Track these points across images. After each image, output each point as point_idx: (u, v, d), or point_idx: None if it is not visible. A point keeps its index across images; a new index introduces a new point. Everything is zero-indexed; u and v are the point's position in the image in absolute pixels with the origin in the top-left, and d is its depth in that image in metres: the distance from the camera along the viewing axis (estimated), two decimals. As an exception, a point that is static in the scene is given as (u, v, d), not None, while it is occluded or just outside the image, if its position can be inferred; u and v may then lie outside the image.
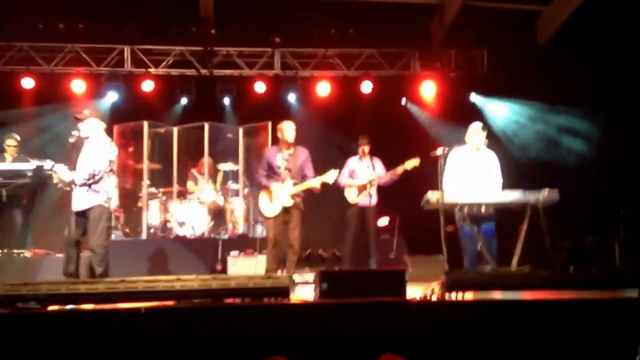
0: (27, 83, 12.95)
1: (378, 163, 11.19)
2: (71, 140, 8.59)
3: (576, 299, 6.49)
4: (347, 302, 6.14)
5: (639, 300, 6.48)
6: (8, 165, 9.85)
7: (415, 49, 14.01)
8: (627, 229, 10.67)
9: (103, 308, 6.06)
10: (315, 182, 9.55)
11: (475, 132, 9.26)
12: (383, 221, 12.51)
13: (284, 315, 6.03)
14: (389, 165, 11.04)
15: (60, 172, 8.50)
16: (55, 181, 8.64)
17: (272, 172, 9.69)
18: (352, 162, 11.17)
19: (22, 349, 5.46)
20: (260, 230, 12.52)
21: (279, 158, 9.73)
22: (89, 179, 8.46)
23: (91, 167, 8.49)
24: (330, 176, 9.58)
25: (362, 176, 11.01)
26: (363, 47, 13.84)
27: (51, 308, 5.96)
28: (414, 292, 6.93)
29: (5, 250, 9.46)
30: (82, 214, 8.53)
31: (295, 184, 9.59)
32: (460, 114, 12.25)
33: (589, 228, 11.08)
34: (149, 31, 13.38)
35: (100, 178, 8.57)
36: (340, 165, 11.00)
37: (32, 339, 5.51)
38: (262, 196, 9.78)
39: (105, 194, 8.62)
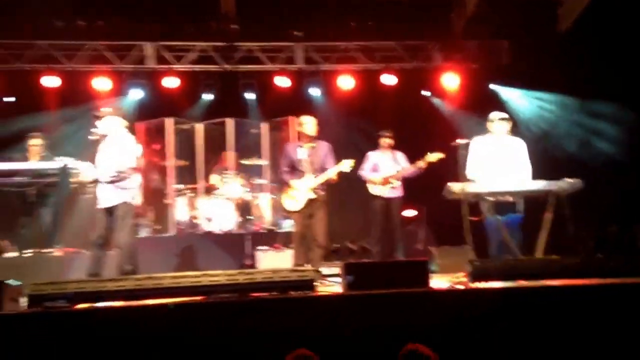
0: (49, 81, 12.96)
1: (401, 156, 11.20)
2: (91, 138, 8.71)
3: (601, 285, 6.52)
4: (373, 293, 6.19)
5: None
6: (34, 164, 9.79)
7: (436, 41, 13.96)
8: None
9: (131, 305, 6.12)
10: (331, 173, 9.54)
11: (496, 121, 9.25)
12: (409, 212, 12.55)
13: (310, 308, 6.10)
14: (412, 157, 11.03)
15: (83, 171, 8.62)
16: (75, 180, 8.79)
17: (294, 167, 9.72)
18: (374, 156, 11.19)
19: (51, 347, 5.53)
20: (287, 225, 12.55)
21: (301, 152, 9.72)
22: (116, 176, 8.57)
23: (118, 164, 8.60)
24: (345, 165, 9.53)
25: (385, 169, 11.04)
26: (384, 40, 13.84)
27: (79, 306, 6.04)
28: (441, 282, 7.00)
29: (35, 250, 9.51)
30: (108, 211, 8.63)
31: (315, 177, 9.64)
32: (482, 105, 12.17)
33: (612, 216, 11.06)
34: (170, 27, 13.33)
35: (127, 175, 8.69)
36: (364, 159, 11.06)
37: (61, 337, 5.59)
38: (285, 194, 9.80)
39: (131, 191, 8.75)
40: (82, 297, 6.12)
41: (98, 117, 8.70)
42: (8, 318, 5.80)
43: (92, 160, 8.79)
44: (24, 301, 6.16)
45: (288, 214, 10.17)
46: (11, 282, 6.15)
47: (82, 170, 8.68)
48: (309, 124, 9.75)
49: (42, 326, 5.67)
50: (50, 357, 5.51)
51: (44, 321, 5.74)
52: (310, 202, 9.55)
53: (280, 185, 10.41)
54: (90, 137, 8.75)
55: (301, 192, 9.57)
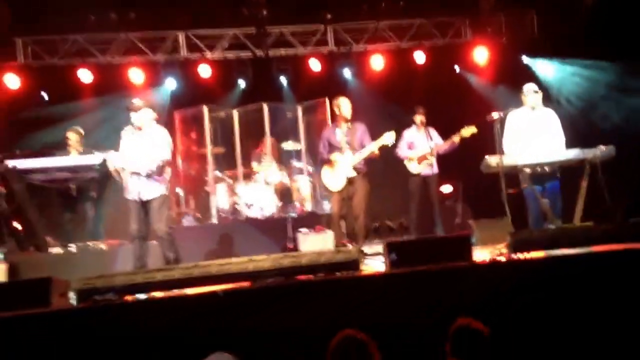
0: (84, 75, 13.02)
1: (434, 133, 11.23)
2: (126, 130, 8.82)
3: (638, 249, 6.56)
4: (416, 270, 6.26)
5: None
6: (74, 159, 9.95)
7: (465, 16, 13.96)
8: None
9: (179, 294, 6.21)
10: (373, 147, 9.63)
11: (529, 93, 9.29)
12: (446, 188, 12.59)
13: (356, 288, 6.15)
14: (448, 133, 11.07)
15: (115, 161, 8.80)
16: (112, 170, 8.93)
17: (333, 149, 9.81)
18: (409, 133, 11.22)
19: (102, 341, 5.61)
20: (327, 207, 12.58)
21: (338, 133, 9.86)
22: (156, 169, 8.70)
23: (160, 157, 8.73)
24: (387, 138, 9.63)
25: (420, 146, 11.08)
26: (414, 18, 13.83)
27: (128, 298, 6.12)
28: (481, 255, 7.04)
29: (80, 245, 9.66)
30: (143, 203, 8.74)
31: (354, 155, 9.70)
32: (514, 78, 12.15)
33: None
34: (201, 16, 13.40)
35: (164, 168, 8.85)
36: (398, 137, 11.11)
37: (111, 330, 5.67)
38: (325, 170, 9.91)
39: (166, 182, 8.89)
40: (130, 289, 6.22)
41: (131, 110, 8.76)
42: (57, 313, 5.88)
43: (120, 152, 8.90)
44: (72, 296, 6.26)
45: (328, 193, 10.24)
46: (58, 277, 6.24)
47: (116, 161, 8.81)
48: (344, 105, 9.86)
49: (92, 320, 5.75)
50: (99, 351, 5.57)
51: (94, 315, 5.81)
52: (351, 181, 9.66)
53: (318, 166, 10.47)
54: (124, 130, 8.85)
55: (342, 169, 9.67)
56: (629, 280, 6.15)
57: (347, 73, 14.01)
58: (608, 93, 12.32)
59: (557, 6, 12.82)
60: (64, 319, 5.77)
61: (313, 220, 11.82)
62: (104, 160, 9.26)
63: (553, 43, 13.10)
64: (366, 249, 8.89)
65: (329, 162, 9.79)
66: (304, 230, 11.41)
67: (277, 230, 11.66)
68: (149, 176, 8.69)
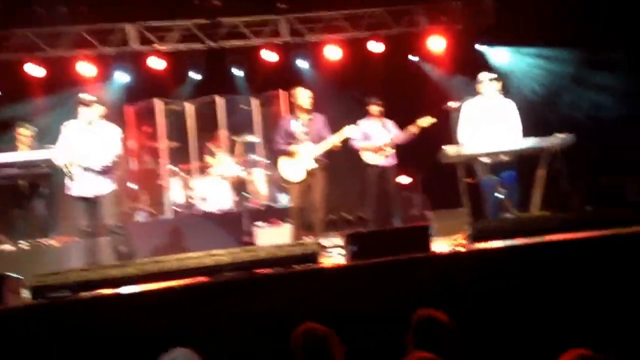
0: (33, 70, 12.82)
1: (390, 123, 11.17)
2: (80, 126, 8.62)
3: (597, 237, 6.61)
4: (377, 262, 6.24)
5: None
6: (24, 155, 9.70)
7: (420, 5, 13.89)
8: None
9: (134, 290, 6.14)
10: (335, 139, 9.57)
11: (485, 81, 9.26)
12: (404, 179, 12.58)
13: (316, 281, 6.14)
14: (404, 123, 11.01)
15: (61, 156, 8.55)
16: (64, 168, 8.68)
17: (290, 140, 9.71)
18: (365, 124, 11.07)
19: (56, 338, 5.50)
20: (283, 200, 12.58)
21: (296, 124, 9.75)
22: (109, 164, 8.58)
23: (111, 152, 8.59)
24: (349, 131, 9.63)
25: (376, 137, 10.98)
26: (369, 7, 13.75)
27: (83, 295, 6.04)
28: (440, 245, 7.05)
29: (31, 242, 9.49)
30: (95, 200, 8.57)
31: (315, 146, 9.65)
32: (470, 66, 12.17)
33: (603, 169, 11.15)
34: (152, 7, 13.11)
35: (115, 163, 8.75)
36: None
37: (66, 328, 5.57)
38: (283, 161, 9.78)
39: (116, 178, 8.80)
40: (85, 286, 6.14)
41: (82, 104, 8.57)
42: (11, 311, 5.80)
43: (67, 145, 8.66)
44: (25, 293, 6.15)
45: (286, 185, 10.16)
46: (11, 274, 6.13)
47: (63, 157, 8.56)
48: (302, 96, 9.77)
49: (46, 317, 5.67)
50: (55, 348, 5.48)
51: (48, 312, 5.74)
52: (310, 173, 9.59)
53: (272, 159, 10.40)
54: (67, 124, 8.67)
55: (302, 161, 9.59)
56: (586, 269, 6.19)
57: (302, 64, 13.95)
58: (566, 82, 12.40)
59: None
60: (18, 317, 5.68)
61: (269, 214, 11.81)
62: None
63: (511, 31, 13.04)
64: (324, 241, 8.84)
65: (288, 153, 9.68)
66: (260, 223, 11.38)
67: (233, 224, 11.58)
68: (101, 172, 8.54)
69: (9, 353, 5.42)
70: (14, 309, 5.85)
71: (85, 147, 8.55)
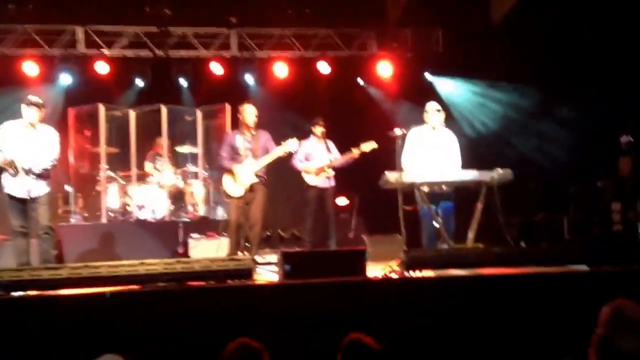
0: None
1: (332, 145, 11.20)
2: (23, 127, 8.53)
3: (529, 274, 6.72)
4: (310, 282, 6.25)
5: (588, 275, 6.71)
6: None
7: (371, 29, 13.96)
8: (575, 206, 10.92)
9: (66, 293, 6.10)
10: (278, 152, 9.62)
11: (432, 111, 9.35)
12: (342, 201, 12.60)
13: (248, 297, 6.16)
14: (347, 146, 11.04)
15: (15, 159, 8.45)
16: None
17: (234, 154, 9.73)
18: (307, 145, 11.07)
19: None
20: (220, 213, 12.53)
21: (241, 140, 9.78)
22: (48, 167, 8.55)
23: (52, 155, 8.57)
24: (291, 145, 9.66)
25: (318, 158, 10.98)
26: (319, 28, 13.79)
27: (14, 294, 6.02)
28: (373, 270, 7.08)
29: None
30: (30, 201, 8.48)
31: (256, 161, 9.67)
32: (417, 94, 12.29)
33: (539, 205, 11.32)
34: (102, 11, 13.04)
35: (53, 166, 8.70)
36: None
37: None
38: (226, 178, 9.78)
39: (51, 180, 8.73)
40: (16, 286, 6.11)
41: (30, 105, 8.51)
42: None
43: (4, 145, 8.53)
44: None
45: (227, 199, 10.14)
46: None
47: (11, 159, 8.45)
48: (248, 112, 9.82)
49: None
50: None
51: None
52: (251, 187, 9.62)
53: (215, 172, 10.38)
54: (6, 124, 8.59)
55: (243, 176, 9.60)
56: (516, 304, 6.27)
57: (249, 79, 13.87)
58: (510, 118, 12.59)
59: (464, 24, 12.86)
60: None
61: (205, 226, 11.75)
62: None
63: (458, 61, 13.22)
64: (258, 258, 8.84)
65: (230, 172, 9.68)
66: (195, 235, 11.32)
67: (168, 234, 11.55)
68: (39, 175, 8.49)
69: None
70: None
71: (25, 149, 8.48)
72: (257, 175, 9.67)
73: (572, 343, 4.17)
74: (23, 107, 8.53)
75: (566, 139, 11.65)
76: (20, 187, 8.42)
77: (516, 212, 10.49)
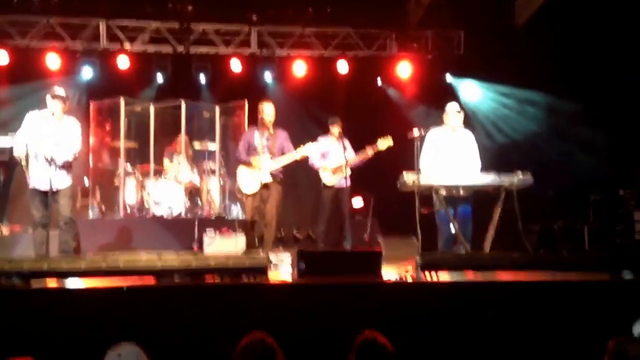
0: (1, 57, 12.72)
1: (348, 144, 11.20)
2: (46, 118, 8.57)
3: (548, 280, 6.64)
4: (324, 282, 6.24)
5: (609, 283, 6.65)
6: None
7: (392, 30, 13.91)
8: (596, 214, 10.84)
9: (84, 284, 6.17)
10: (295, 155, 9.67)
11: (452, 112, 9.31)
12: (357, 202, 12.58)
13: (263, 294, 6.16)
14: (363, 146, 11.03)
15: (23, 146, 8.48)
16: (16, 155, 8.63)
17: (251, 151, 9.75)
18: (324, 143, 11.08)
19: (5, 324, 5.50)
20: (236, 211, 12.56)
21: (259, 138, 9.81)
22: (70, 159, 8.59)
23: (74, 147, 8.61)
24: (307, 149, 9.70)
25: (334, 157, 10.96)
26: (340, 27, 13.78)
27: (34, 284, 6.06)
28: (387, 272, 7.03)
29: (-19, 227, 9.50)
30: (52, 193, 8.49)
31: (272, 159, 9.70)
32: (436, 96, 12.26)
33: (559, 212, 11.23)
34: (124, 6, 13.15)
35: (75, 158, 8.77)
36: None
37: (15, 314, 5.57)
38: (242, 170, 9.84)
39: (73, 172, 8.80)
40: (36, 275, 6.18)
41: (55, 97, 8.56)
42: None
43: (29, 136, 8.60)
44: None
45: (241, 197, 10.16)
46: None
47: (22, 147, 8.50)
48: (268, 110, 9.84)
49: None
50: (2, 335, 5.42)
51: None
52: (265, 186, 9.64)
53: (231, 169, 10.40)
54: (32, 114, 8.63)
55: (258, 173, 9.63)
56: (533, 311, 6.21)
57: (267, 77, 13.88)
58: (531, 120, 12.49)
59: (487, 26, 12.84)
60: None
61: (221, 223, 11.69)
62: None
63: (479, 64, 13.16)
64: (272, 257, 8.84)
65: (247, 163, 9.70)
66: (210, 232, 11.29)
67: (183, 230, 11.49)
68: (62, 166, 8.52)
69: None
70: None
71: (48, 139, 8.52)
72: (272, 174, 9.70)
73: (588, 353, 4.16)
74: (48, 98, 8.59)
75: (588, 145, 11.53)
76: (43, 178, 8.44)
77: (535, 219, 10.42)
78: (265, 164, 9.66)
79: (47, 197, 8.51)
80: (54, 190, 8.48)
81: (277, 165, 9.66)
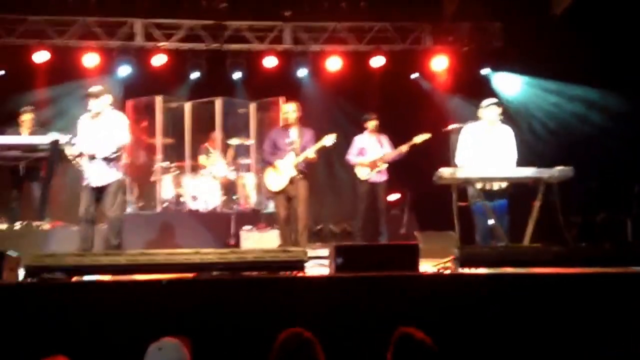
0: (41, 57, 12.88)
1: (385, 139, 11.16)
2: (90, 117, 8.71)
3: (588, 274, 6.54)
4: (361, 276, 6.20)
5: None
6: (25, 138, 9.98)
7: (427, 23, 13.86)
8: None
9: (124, 279, 6.20)
10: (315, 147, 9.65)
11: (488, 107, 9.22)
12: (393, 197, 12.56)
13: (300, 288, 6.13)
14: (399, 140, 11.01)
15: (75, 145, 8.70)
16: (68, 155, 8.84)
17: (276, 150, 9.79)
18: (361, 139, 11.12)
19: (47, 318, 5.58)
20: (272, 206, 12.56)
21: (284, 137, 9.86)
22: (114, 153, 8.67)
23: (117, 141, 8.69)
24: (326, 140, 9.64)
25: (372, 153, 10.98)
26: (374, 21, 13.74)
27: (75, 279, 6.12)
28: (425, 267, 6.99)
29: (24, 223, 9.61)
30: (100, 189, 8.69)
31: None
32: (473, 89, 12.20)
33: (601, 204, 11.07)
34: (160, 5, 13.32)
35: (121, 153, 8.86)
36: (350, 141, 11.09)
37: (57, 309, 5.64)
38: (268, 172, 9.91)
39: (122, 168, 8.93)
40: (77, 270, 6.20)
41: (91, 97, 8.70)
42: (7, 288, 5.89)
43: (79, 137, 8.81)
44: (21, 272, 6.23)
45: (270, 195, 10.20)
46: (11, 252, 6.22)
47: (73, 145, 8.72)
48: (291, 111, 9.88)
49: (38, 297, 5.75)
50: (45, 328, 5.54)
51: (41, 292, 5.83)
52: (292, 181, 9.65)
53: (263, 166, 10.47)
54: (88, 117, 8.75)
55: (284, 170, 9.66)
56: (575, 305, 6.13)
57: (302, 72, 13.91)
58: (570, 112, 12.31)
59: (523, 17, 12.63)
60: (12, 293, 5.81)
61: (256, 218, 11.82)
62: (55, 142, 9.17)
63: (517, 56, 13.01)
64: (309, 251, 8.86)
65: (272, 165, 9.78)
66: (247, 227, 11.37)
67: (219, 225, 11.68)
68: (107, 161, 8.65)
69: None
70: (8, 285, 5.95)
71: (91, 137, 8.69)
72: (297, 170, 9.68)
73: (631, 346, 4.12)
74: (88, 99, 8.75)
75: (631, 136, 11.34)
76: (90, 175, 8.62)
77: (576, 211, 10.29)
78: (290, 161, 9.69)
79: (95, 193, 8.69)
80: (99, 186, 8.66)
81: (300, 159, 9.65)
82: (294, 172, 9.65)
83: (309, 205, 9.84)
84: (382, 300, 5.96)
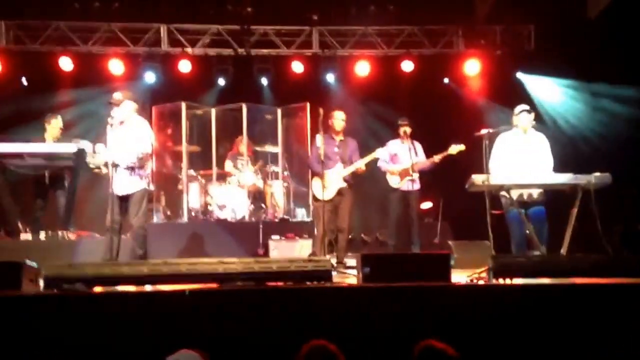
0: (65, 63, 12.89)
1: (419, 147, 10.94)
2: (110, 126, 8.55)
3: (629, 284, 6.30)
4: (390, 286, 6.04)
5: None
6: (50, 146, 9.96)
7: (458, 26, 13.67)
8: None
9: (146, 290, 6.21)
10: (364, 160, 9.83)
11: (521, 113, 9.02)
12: (426, 205, 12.36)
13: (326, 298, 6.00)
14: (432, 147, 10.79)
15: (102, 154, 8.63)
16: (90, 164, 8.82)
17: (324, 159, 9.66)
18: (393, 146, 10.90)
19: (68, 329, 5.52)
20: (300, 215, 12.50)
21: (332, 145, 9.96)
22: (137, 162, 8.59)
23: (139, 150, 8.60)
24: (377, 153, 9.91)
25: (403, 160, 10.74)
26: (403, 25, 13.58)
27: (96, 289, 6.07)
28: (459, 277, 6.82)
29: (49, 232, 9.66)
30: (124, 198, 8.65)
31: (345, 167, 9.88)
32: (506, 94, 12.06)
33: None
34: (185, 10, 13.26)
35: (145, 161, 8.75)
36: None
37: (78, 320, 5.57)
38: (316, 182, 9.94)
39: (147, 177, 8.82)
40: (98, 281, 6.15)
41: (114, 104, 8.60)
42: (25, 298, 5.84)
43: (105, 145, 8.72)
44: (41, 283, 6.20)
45: (316, 202, 10.07)
46: (30, 263, 6.19)
47: (98, 154, 8.71)
48: (339, 119, 10.07)
49: (58, 308, 5.68)
50: (65, 339, 5.49)
51: (61, 303, 5.76)
52: (340, 192, 9.83)
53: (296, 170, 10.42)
54: (109, 126, 8.59)
55: (332, 181, 9.77)
56: (615, 317, 5.91)
57: (330, 77, 13.78)
58: (608, 117, 12.04)
59: (557, 19, 12.42)
60: (33, 304, 5.75)
61: (285, 227, 11.70)
62: (80, 150, 9.24)
63: (551, 59, 12.80)
64: (347, 261, 8.94)
65: (320, 176, 9.69)
66: (275, 237, 11.26)
67: (247, 234, 11.58)
68: (129, 169, 8.59)
69: (18, 338, 5.48)
70: (28, 296, 5.91)
71: (115, 145, 8.59)
72: (345, 180, 9.86)
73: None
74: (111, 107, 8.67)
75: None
76: (114, 184, 8.50)
77: (617, 220, 10.06)
78: (338, 171, 9.85)
79: (120, 202, 8.66)
80: (123, 195, 8.63)
81: (348, 171, 9.86)
82: (342, 184, 9.85)
83: (352, 216, 9.99)
84: (412, 312, 5.82)
